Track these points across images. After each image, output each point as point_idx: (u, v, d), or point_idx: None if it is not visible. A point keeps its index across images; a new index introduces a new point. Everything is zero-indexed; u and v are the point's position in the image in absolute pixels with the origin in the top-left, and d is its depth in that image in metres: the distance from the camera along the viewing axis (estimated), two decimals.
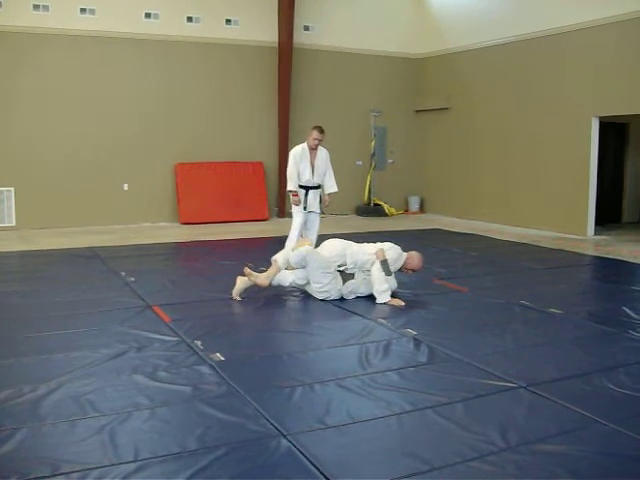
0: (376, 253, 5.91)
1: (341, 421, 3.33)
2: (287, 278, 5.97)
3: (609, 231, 11.15)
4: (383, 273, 5.82)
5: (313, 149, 7.59)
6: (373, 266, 5.88)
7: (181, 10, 11.85)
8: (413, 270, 6.17)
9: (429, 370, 4.11)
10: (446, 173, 13.60)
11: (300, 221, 7.68)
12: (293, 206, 7.76)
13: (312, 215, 7.77)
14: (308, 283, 5.95)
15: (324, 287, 5.85)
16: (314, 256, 5.81)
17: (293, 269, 5.93)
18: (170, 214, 12.05)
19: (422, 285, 6.61)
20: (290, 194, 7.75)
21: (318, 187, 7.79)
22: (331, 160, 7.81)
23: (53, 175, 11.10)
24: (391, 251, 5.99)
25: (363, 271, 5.99)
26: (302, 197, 7.65)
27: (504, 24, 11.84)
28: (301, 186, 7.64)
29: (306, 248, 5.87)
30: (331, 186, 7.82)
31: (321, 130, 7.54)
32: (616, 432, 3.23)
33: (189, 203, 11.95)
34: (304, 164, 7.57)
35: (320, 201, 7.84)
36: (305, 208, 7.67)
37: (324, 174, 7.73)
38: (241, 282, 5.93)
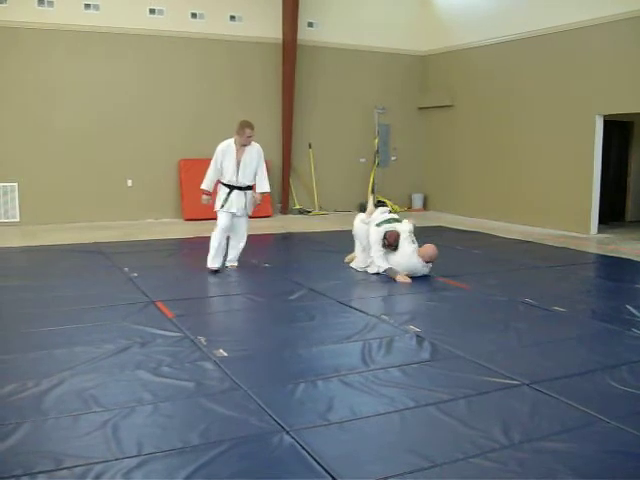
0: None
1: (343, 417, 3.33)
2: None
3: (613, 229, 11.11)
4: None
5: (244, 145, 6.90)
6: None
7: (185, 6, 11.84)
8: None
9: (432, 367, 4.11)
10: (450, 171, 13.57)
11: (223, 223, 7.01)
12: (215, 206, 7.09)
13: (237, 219, 7.10)
14: None
15: None
16: None
17: None
18: (174, 210, 12.06)
19: (425, 282, 6.61)
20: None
21: (246, 188, 7.02)
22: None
23: (57, 170, 11.10)
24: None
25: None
26: (224, 196, 6.98)
27: (508, 21, 11.80)
28: (225, 184, 7.01)
29: None
30: (262, 186, 7.03)
31: (252, 126, 6.86)
32: (619, 430, 3.23)
33: (193, 199, 11.89)
34: (228, 161, 6.90)
35: (249, 203, 7.09)
36: (223, 206, 6.97)
37: (254, 173, 7.00)
38: None
